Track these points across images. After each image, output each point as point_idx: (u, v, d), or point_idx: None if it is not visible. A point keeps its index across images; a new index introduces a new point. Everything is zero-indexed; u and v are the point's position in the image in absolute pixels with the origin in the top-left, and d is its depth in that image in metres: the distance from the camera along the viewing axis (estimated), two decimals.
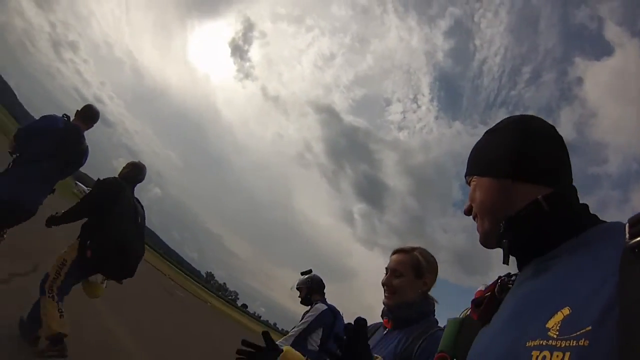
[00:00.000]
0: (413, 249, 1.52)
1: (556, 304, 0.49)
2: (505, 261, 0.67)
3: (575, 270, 0.53)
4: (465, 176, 0.80)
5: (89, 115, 3.22)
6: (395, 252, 1.54)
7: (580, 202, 0.65)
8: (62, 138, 2.96)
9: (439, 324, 1.41)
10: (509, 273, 0.70)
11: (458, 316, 0.84)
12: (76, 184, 32.81)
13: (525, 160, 0.68)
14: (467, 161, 0.81)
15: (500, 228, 0.66)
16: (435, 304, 1.50)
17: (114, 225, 2.93)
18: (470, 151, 0.82)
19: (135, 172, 3.36)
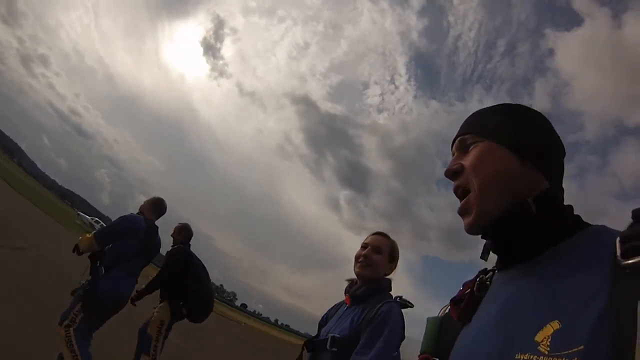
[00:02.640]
0: (391, 238, 1.75)
1: (544, 314, 0.48)
2: (484, 257, 0.64)
3: (561, 279, 0.51)
4: (462, 134, 0.68)
5: (157, 207, 3.62)
6: (377, 233, 1.76)
7: (563, 188, 0.63)
8: (146, 237, 3.38)
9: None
10: (485, 269, 0.68)
11: (437, 314, 0.82)
12: (78, 214, 35.06)
13: (549, 151, 0.63)
14: (467, 120, 0.71)
15: (487, 221, 0.60)
16: (391, 280, 1.71)
17: (198, 285, 3.69)
18: (470, 116, 0.72)
19: (188, 234, 3.96)
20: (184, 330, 4.44)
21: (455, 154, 0.68)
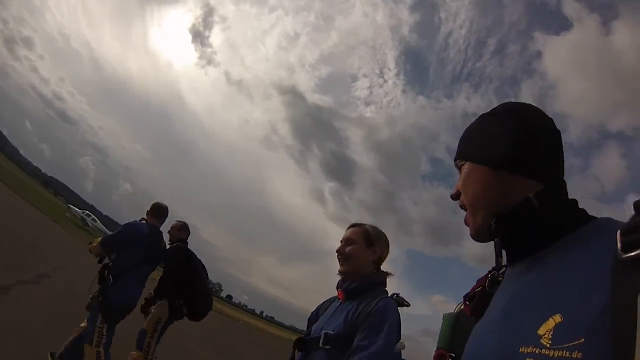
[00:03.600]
0: (365, 224, 1.70)
1: (547, 308, 0.49)
2: (498, 262, 0.66)
3: (565, 273, 0.52)
4: (455, 159, 0.76)
5: (160, 213, 3.73)
6: (350, 226, 1.72)
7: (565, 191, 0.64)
8: (151, 243, 3.51)
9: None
10: (499, 265, 0.69)
11: (453, 311, 0.86)
12: (69, 207, 33.96)
13: (526, 153, 0.65)
14: (458, 143, 0.77)
15: (492, 224, 0.64)
16: (390, 275, 1.65)
17: (198, 284, 3.82)
18: (461, 132, 0.78)
19: (185, 232, 4.04)
20: (185, 327, 4.58)
21: (458, 176, 0.74)
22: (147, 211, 3.68)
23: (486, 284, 0.69)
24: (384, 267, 1.70)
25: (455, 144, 0.78)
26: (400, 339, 1.41)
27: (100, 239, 3.53)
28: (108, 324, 3.18)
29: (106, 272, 3.34)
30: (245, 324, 34.81)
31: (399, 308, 1.53)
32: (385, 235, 1.73)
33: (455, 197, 0.73)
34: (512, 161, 0.65)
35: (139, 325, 3.67)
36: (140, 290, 3.52)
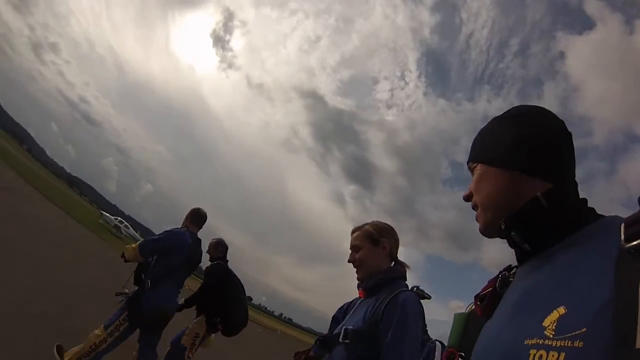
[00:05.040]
0: (365, 224, 1.67)
1: (552, 301, 0.50)
2: (518, 259, 0.68)
3: (571, 268, 0.53)
4: (468, 162, 0.79)
5: (199, 219, 3.68)
6: (352, 232, 1.68)
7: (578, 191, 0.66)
8: (192, 252, 3.48)
9: (428, 296, 1.52)
10: (510, 266, 0.71)
11: (464, 311, 0.85)
12: (102, 214, 32.77)
13: (538, 155, 0.67)
14: (471, 146, 0.79)
15: (501, 222, 0.66)
16: (407, 268, 1.63)
17: (236, 303, 3.90)
18: (473, 140, 0.81)
19: (223, 250, 4.12)
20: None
21: (472, 178, 0.77)
22: (186, 217, 3.61)
23: (497, 284, 0.71)
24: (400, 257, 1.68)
25: None
26: (425, 329, 1.55)
27: (138, 243, 3.38)
28: (129, 323, 3.09)
29: (143, 274, 3.28)
30: (284, 335, 32.40)
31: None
32: (389, 226, 1.67)
33: (468, 198, 0.75)
34: (523, 162, 0.67)
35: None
36: (175, 297, 3.46)
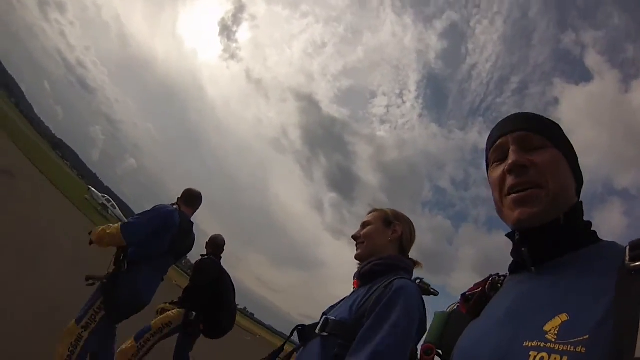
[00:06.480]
0: (384, 208, 1.53)
1: (554, 308, 0.52)
2: (513, 268, 0.69)
3: (573, 280, 0.56)
4: (530, 131, 0.69)
5: (194, 200, 3.25)
6: (369, 212, 1.54)
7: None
8: (179, 234, 3.00)
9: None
10: (498, 273, 0.73)
11: (445, 310, 0.85)
12: (89, 189, 30.92)
13: (579, 168, 0.70)
14: (532, 119, 0.72)
15: (516, 235, 0.66)
16: (418, 266, 1.42)
17: (223, 303, 3.62)
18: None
19: (220, 245, 3.85)
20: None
21: (513, 147, 0.68)
22: (179, 197, 3.19)
23: (486, 287, 0.72)
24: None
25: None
26: (424, 330, 1.16)
27: (119, 224, 2.74)
28: (106, 311, 2.62)
29: (122, 255, 2.74)
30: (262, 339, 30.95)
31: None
32: (408, 217, 1.52)
33: (523, 167, 0.66)
34: (577, 172, 0.69)
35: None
36: (156, 285, 2.97)
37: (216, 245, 3.84)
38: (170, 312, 3.49)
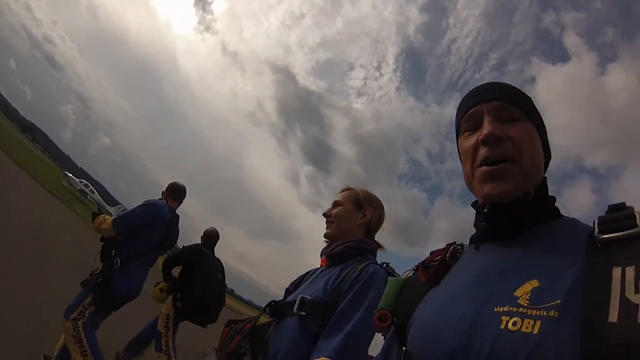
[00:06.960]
0: (355, 188, 1.57)
1: (524, 275, 0.53)
2: (477, 237, 0.69)
3: (542, 251, 0.56)
4: (507, 102, 0.67)
5: (179, 194, 3.44)
6: (341, 190, 1.59)
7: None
8: (169, 228, 3.24)
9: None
10: (459, 243, 0.74)
11: (400, 276, 0.83)
12: (65, 174, 29.81)
13: (548, 143, 0.70)
14: (509, 91, 0.70)
15: (486, 207, 0.65)
16: (381, 248, 1.50)
17: (198, 284, 3.69)
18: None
19: (212, 239, 4.10)
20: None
21: (489, 117, 0.66)
22: (164, 191, 3.39)
23: (447, 255, 0.71)
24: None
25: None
26: None
27: (112, 218, 2.99)
28: (96, 307, 2.76)
29: (113, 251, 2.91)
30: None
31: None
32: (381, 202, 1.57)
33: (499, 140, 0.64)
34: (547, 145, 0.70)
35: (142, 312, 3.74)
36: (144, 280, 3.14)
37: (206, 236, 4.10)
38: (163, 309, 3.74)
